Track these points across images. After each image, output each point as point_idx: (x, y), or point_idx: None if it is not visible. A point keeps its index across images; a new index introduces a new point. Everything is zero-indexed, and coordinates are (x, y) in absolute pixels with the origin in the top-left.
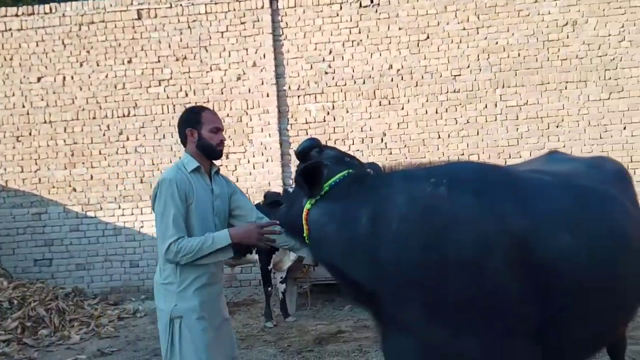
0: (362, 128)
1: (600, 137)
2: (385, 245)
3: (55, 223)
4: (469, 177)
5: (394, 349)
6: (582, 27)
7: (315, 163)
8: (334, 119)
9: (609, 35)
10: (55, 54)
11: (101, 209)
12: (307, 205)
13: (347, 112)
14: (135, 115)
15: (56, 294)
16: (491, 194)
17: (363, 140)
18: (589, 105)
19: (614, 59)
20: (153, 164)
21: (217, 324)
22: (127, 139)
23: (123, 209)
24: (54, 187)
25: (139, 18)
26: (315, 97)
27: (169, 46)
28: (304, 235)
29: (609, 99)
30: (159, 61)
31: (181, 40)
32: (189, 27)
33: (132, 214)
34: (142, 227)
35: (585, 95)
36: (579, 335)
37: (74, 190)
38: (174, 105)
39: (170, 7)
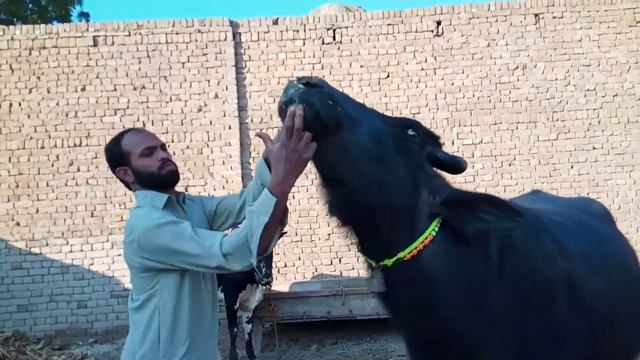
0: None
1: (550, 175)
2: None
3: None
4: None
5: None
6: (531, 71)
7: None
8: None
9: (556, 79)
10: (2, 78)
11: (47, 244)
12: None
13: None
14: (87, 145)
15: None
16: (541, 235)
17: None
18: (539, 145)
19: (560, 102)
20: (106, 197)
21: None
22: (78, 170)
23: (71, 245)
24: None
25: (95, 45)
26: (278, 130)
27: (127, 75)
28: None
29: (557, 139)
30: (115, 90)
31: (139, 69)
32: (148, 56)
33: (82, 251)
34: (92, 264)
35: (535, 135)
36: None
37: (18, 224)
38: None
39: (129, 34)
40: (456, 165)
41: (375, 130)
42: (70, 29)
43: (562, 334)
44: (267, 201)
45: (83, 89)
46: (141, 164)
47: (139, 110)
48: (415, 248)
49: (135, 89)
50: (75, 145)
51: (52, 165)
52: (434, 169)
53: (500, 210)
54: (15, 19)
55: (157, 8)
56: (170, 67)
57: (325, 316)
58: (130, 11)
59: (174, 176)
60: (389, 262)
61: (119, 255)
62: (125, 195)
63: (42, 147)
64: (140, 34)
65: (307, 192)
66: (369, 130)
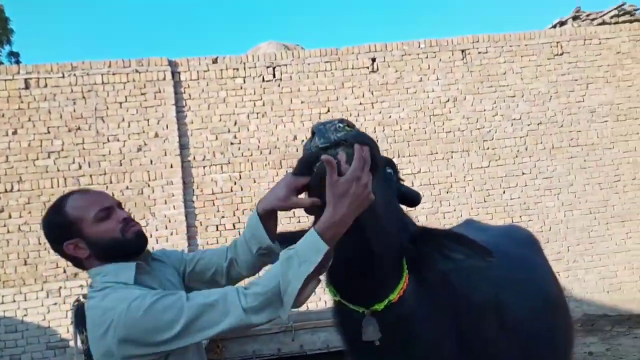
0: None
1: (484, 201)
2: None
3: None
4: None
5: None
6: (462, 103)
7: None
8: (241, 189)
9: (484, 110)
10: None
11: None
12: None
13: (255, 182)
14: (19, 190)
15: None
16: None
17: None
18: (473, 172)
19: (490, 131)
20: (39, 244)
21: None
22: (10, 217)
23: (3, 296)
24: None
25: (27, 87)
26: (222, 168)
27: (61, 116)
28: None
29: (488, 166)
30: (49, 132)
31: (74, 111)
32: (83, 97)
33: (14, 301)
34: (25, 315)
35: (468, 163)
36: None
37: None
38: (65, 179)
39: (63, 76)
40: (416, 199)
41: (385, 173)
42: (0, 72)
43: (497, 353)
44: (315, 247)
45: (14, 133)
46: (99, 230)
47: (74, 152)
48: (402, 288)
49: (70, 130)
50: (6, 191)
51: None
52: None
53: (469, 249)
54: None
55: (92, 49)
56: (107, 108)
57: (276, 353)
58: (62, 51)
59: (143, 239)
60: (379, 306)
61: (55, 304)
62: None
63: None
64: (74, 75)
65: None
66: (383, 173)
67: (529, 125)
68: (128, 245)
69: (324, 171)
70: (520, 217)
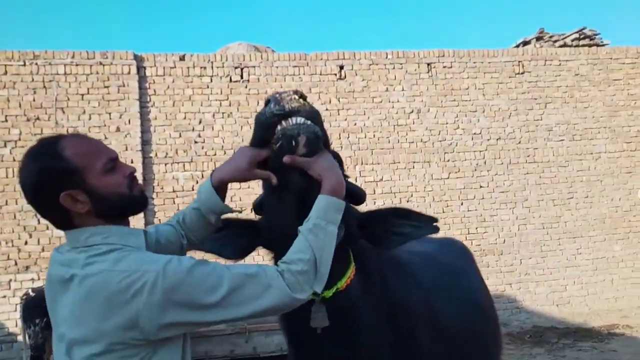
0: (231, 198)
1: (443, 211)
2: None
3: None
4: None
5: None
6: (425, 115)
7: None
8: None
9: (447, 123)
10: None
11: None
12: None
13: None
14: None
15: None
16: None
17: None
18: (433, 183)
19: (451, 144)
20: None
21: None
22: None
23: None
24: None
25: None
26: (184, 166)
27: (20, 105)
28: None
29: (448, 177)
30: (6, 121)
31: (34, 100)
32: (44, 86)
33: None
34: None
35: (429, 174)
36: None
37: None
38: None
39: (24, 64)
40: (361, 196)
41: None
42: None
43: (426, 353)
44: (334, 207)
45: None
46: (108, 182)
47: (32, 142)
48: (349, 277)
49: (28, 120)
50: None
51: None
52: None
53: (417, 220)
54: None
55: (56, 39)
56: (68, 99)
57: (228, 355)
58: (26, 39)
59: (146, 199)
60: (327, 293)
61: (4, 297)
62: (12, 232)
63: None
64: (36, 64)
65: None
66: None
67: (488, 140)
68: (135, 202)
69: (283, 152)
70: (477, 228)
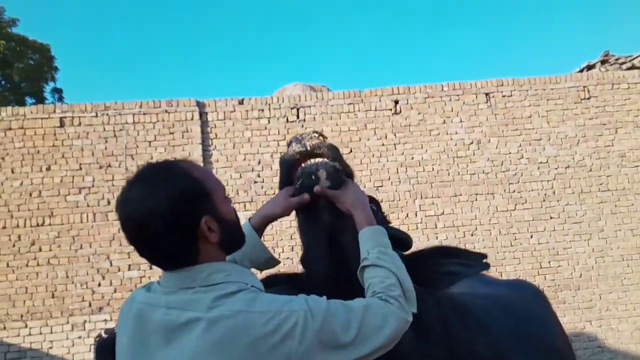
0: (291, 236)
1: (511, 245)
2: None
3: None
4: None
5: None
6: (486, 145)
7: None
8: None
9: (509, 153)
10: None
11: (4, 328)
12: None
13: (277, 220)
14: (50, 224)
15: None
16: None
17: (293, 248)
18: (498, 215)
19: (515, 174)
20: (67, 277)
21: None
22: (40, 250)
23: (30, 328)
24: None
25: (62, 126)
26: (245, 206)
27: (92, 154)
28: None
29: (515, 209)
30: (81, 169)
31: (106, 149)
32: (114, 135)
33: (41, 334)
34: (50, 347)
35: (494, 206)
36: None
37: None
38: (94, 214)
39: (96, 115)
40: (407, 242)
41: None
42: (37, 111)
43: None
44: (379, 233)
45: (48, 169)
46: (230, 210)
47: (104, 188)
48: None
49: (100, 167)
50: (37, 225)
51: (14, 246)
52: None
53: (467, 258)
54: None
55: (125, 88)
56: (137, 146)
57: None
58: (100, 90)
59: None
60: None
61: (79, 337)
62: (86, 274)
63: (4, 227)
64: (107, 114)
65: None
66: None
67: (556, 168)
68: (243, 235)
69: (304, 189)
70: (549, 262)
